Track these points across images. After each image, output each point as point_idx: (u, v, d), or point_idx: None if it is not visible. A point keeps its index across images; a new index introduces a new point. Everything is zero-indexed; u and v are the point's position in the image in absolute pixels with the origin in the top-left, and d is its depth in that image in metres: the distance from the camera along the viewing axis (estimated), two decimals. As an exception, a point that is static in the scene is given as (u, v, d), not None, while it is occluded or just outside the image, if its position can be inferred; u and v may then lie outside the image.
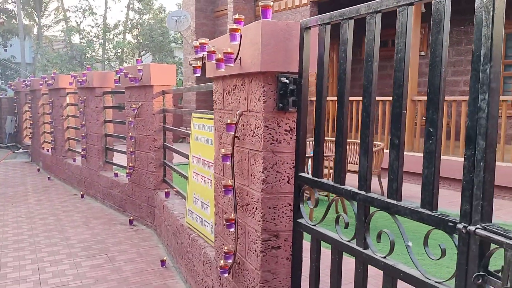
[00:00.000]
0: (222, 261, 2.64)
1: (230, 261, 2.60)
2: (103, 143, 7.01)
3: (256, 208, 2.35)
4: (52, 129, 9.10)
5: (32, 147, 11.26)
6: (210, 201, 3.32)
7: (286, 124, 2.29)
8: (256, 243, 2.36)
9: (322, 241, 2.07)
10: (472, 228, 1.30)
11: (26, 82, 10.89)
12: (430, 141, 1.47)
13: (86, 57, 23.91)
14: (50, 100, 8.99)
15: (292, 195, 2.29)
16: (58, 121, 8.72)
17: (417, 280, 1.52)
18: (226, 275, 2.64)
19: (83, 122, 7.42)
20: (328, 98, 8.34)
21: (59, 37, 29.59)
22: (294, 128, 2.29)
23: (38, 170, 9.98)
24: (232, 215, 2.56)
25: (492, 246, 1.29)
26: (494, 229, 1.24)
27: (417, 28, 7.76)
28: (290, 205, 2.32)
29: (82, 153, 7.50)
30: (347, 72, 1.88)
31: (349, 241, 1.86)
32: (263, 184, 2.29)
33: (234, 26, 2.24)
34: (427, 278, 1.49)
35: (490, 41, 1.25)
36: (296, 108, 2.23)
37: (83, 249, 4.77)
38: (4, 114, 13.43)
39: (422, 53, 10.42)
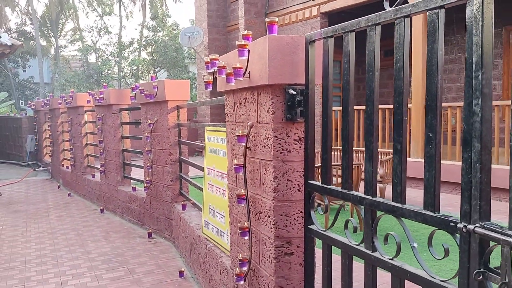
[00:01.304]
0: (237, 269, 2.71)
1: (245, 268, 2.67)
2: (121, 158, 7.18)
3: (269, 216, 2.43)
4: (71, 147, 9.33)
5: (52, 165, 11.52)
6: (225, 211, 3.41)
7: (295, 134, 2.38)
8: (270, 250, 2.43)
9: (333, 247, 2.13)
10: (471, 227, 1.36)
11: (45, 101, 11.20)
12: (430, 146, 1.54)
13: (103, 75, 24.43)
14: (69, 118, 9.24)
15: (302, 202, 2.37)
16: (77, 138, 8.94)
17: (423, 279, 1.58)
18: (242, 282, 2.71)
19: (101, 139, 7.61)
20: (337, 108, 8.51)
21: (76, 57, 30.31)
22: (302, 137, 2.37)
23: (59, 187, 10.21)
24: (246, 223, 2.64)
25: (492, 244, 1.34)
26: (492, 227, 1.30)
27: (424, 35, 7.81)
28: (301, 212, 2.39)
29: (100, 169, 7.68)
30: (350, 82, 1.96)
31: (358, 245, 1.93)
32: (274, 192, 2.37)
33: (242, 42, 2.35)
34: (433, 278, 1.55)
35: (480, 49, 1.33)
36: (304, 118, 2.32)
37: (104, 262, 4.89)
38: (25, 133, 13.79)
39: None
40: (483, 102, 1.34)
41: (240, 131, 2.60)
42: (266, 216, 2.47)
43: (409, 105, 8.54)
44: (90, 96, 7.77)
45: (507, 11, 8.14)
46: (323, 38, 2.10)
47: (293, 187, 2.38)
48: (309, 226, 2.30)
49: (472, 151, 1.36)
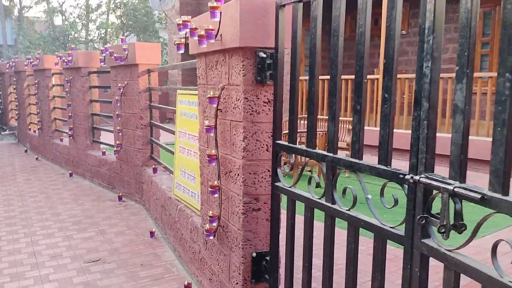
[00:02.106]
0: (207, 225, 2.85)
1: (215, 224, 2.82)
2: (90, 122, 7.13)
3: (238, 175, 2.56)
4: (38, 110, 9.15)
5: (18, 129, 11.28)
6: (196, 172, 3.52)
7: (264, 96, 2.48)
8: (238, 206, 2.57)
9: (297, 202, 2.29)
10: (417, 177, 1.52)
11: (11, 63, 10.85)
12: (385, 106, 1.68)
13: (69, 39, 23.66)
14: (36, 81, 9.02)
15: (270, 161, 2.50)
16: (44, 102, 8.78)
17: (375, 226, 1.75)
18: (211, 237, 2.86)
19: (69, 102, 7.51)
20: (305, 77, 8.65)
21: (41, 18, 29.10)
22: (272, 100, 2.48)
23: (26, 151, 10.05)
24: (216, 182, 2.77)
25: (434, 192, 1.51)
26: (434, 177, 1.47)
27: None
28: (269, 170, 2.53)
29: (69, 133, 7.61)
30: (317, 46, 2.07)
31: (319, 199, 2.08)
32: (244, 152, 2.49)
33: (214, 4, 2.41)
34: (383, 224, 1.72)
35: (433, 15, 1.45)
36: (273, 81, 2.42)
37: (74, 224, 4.95)
38: (-12, 96, 13.35)
39: (403, 32, 10.63)
40: (433, 65, 1.47)
41: (211, 93, 2.69)
42: (235, 174, 2.60)
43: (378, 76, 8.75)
44: (58, 58, 7.60)
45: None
46: (292, 2, 2.19)
47: (262, 147, 2.51)
48: (276, 184, 2.44)
49: (421, 109, 1.51)
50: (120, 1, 24.33)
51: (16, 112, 11.05)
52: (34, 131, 9.80)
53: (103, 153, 6.77)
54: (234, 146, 2.59)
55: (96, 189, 6.63)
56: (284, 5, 2.27)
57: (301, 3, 2.16)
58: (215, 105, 2.69)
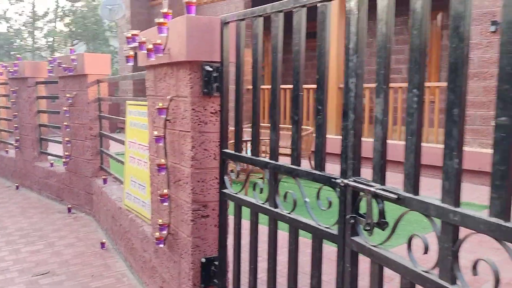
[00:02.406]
0: (157, 233, 2.92)
1: (164, 232, 2.89)
2: (37, 133, 6.96)
3: (187, 183, 2.66)
4: (-19, 121, 8.79)
5: (-42, 141, 10.74)
6: (147, 182, 3.57)
7: (211, 107, 2.61)
8: (187, 213, 2.67)
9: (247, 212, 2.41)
10: (346, 181, 1.69)
11: (-50, 72, 10.34)
12: (319, 116, 1.85)
13: (14, 46, 22.78)
14: (-22, 91, 8.67)
15: (218, 169, 2.62)
16: (-12, 112, 8.45)
17: (313, 227, 1.90)
18: (161, 245, 2.93)
19: (15, 113, 7.30)
20: (262, 86, 8.83)
21: (-17, 25, 27.81)
22: (218, 110, 2.61)
23: (-33, 164, 9.61)
24: (166, 190, 2.85)
25: (361, 194, 1.68)
26: (360, 181, 1.64)
27: (341, 20, 8.31)
28: (216, 178, 2.65)
29: (15, 144, 7.38)
30: (258, 61, 2.22)
31: (263, 203, 2.22)
32: (192, 160, 2.60)
33: (161, 20, 2.52)
34: (319, 225, 1.88)
35: (356, 37, 1.64)
36: (220, 93, 2.55)
37: (22, 237, 4.84)
38: None
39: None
40: (357, 81, 1.65)
41: (160, 104, 2.78)
42: (184, 183, 2.70)
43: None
44: (3, 68, 7.38)
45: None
46: (235, 20, 2.34)
47: (210, 156, 2.63)
48: (223, 191, 2.56)
49: (348, 120, 1.68)
50: (69, 8, 23.71)
51: (-44, 123, 10.52)
52: (-23, 143, 9.38)
53: (51, 165, 6.63)
54: (182, 155, 2.69)
55: (45, 201, 6.48)
56: (228, 22, 2.41)
57: (244, 21, 2.31)
58: (164, 116, 2.78)
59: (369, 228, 1.59)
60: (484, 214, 1.18)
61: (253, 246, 2.33)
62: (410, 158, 1.42)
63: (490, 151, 1.10)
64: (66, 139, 5.84)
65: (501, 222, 1.13)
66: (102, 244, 4.46)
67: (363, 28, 1.63)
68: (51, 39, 24.05)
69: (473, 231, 1.22)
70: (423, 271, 1.39)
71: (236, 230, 2.46)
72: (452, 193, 1.28)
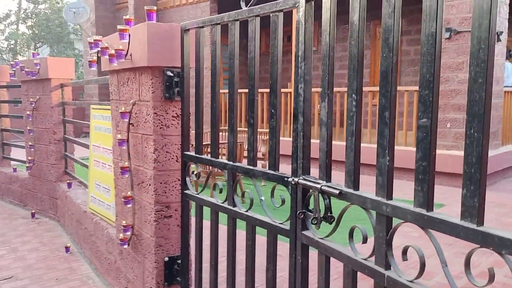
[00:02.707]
0: (121, 235, 2.98)
1: (128, 233, 2.95)
2: (-1, 138, 6.83)
3: (150, 184, 2.74)
4: None
5: None
6: (111, 185, 3.62)
7: (173, 111, 2.70)
8: (151, 214, 2.74)
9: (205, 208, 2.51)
10: (296, 179, 1.82)
11: None
12: (272, 119, 1.97)
13: (-26, 49, 22.07)
14: None
15: (180, 171, 2.71)
16: None
17: (268, 224, 2.02)
18: (126, 246, 2.99)
19: (-25, 118, 7.13)
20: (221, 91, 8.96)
21: None
22: (180, 114, 2.70)
23: None
24: (129, 192, 2.92)
25: (311, 191, 1.81)
26: (309, 179, 1.77)
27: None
28: (178, 180, 2.74)
29: (-25, 149, 7.21)
30: (217, 67, 2.33)
31: (222, 203, 2.33)
32: (155, 163, 2.68)
33: (123, 27, 2.59)
34: (274, 221, 2.00)
35: (303, 46, 1.77)
36: (181, 97, 2.64)
37: (-17, 243, 4.76)
38: None
39: (314, 48, 11.35)
40: (305, 86, 1.79)
41: (123, 108, 2.85)
42: (147, 184, 2.77)
43: (288, 90, 9.28)
44: (-38, 71, 7.20)
45: (374, 7, 9.15)
46: (195, 28, 2.44)
47: (172, 158, 2.72)
48: (185, 191, 2.65)
49: (298, 123, 1.82)
50: (31, 11, 23.16)
51: None
52: None
53: (14, 170, 6.52)
54: (145, 158, 2.77)
55: (7, 207, 6.36)
56: (188, 30, 2.51)
57: (203, 28, 2.42)
58: (127, 120, 2.85)
59: (316, 222, 1.72)
60: (410, 206, 1.33)
61: (213, 243, 2.43)
62: (350, 156, 1.56)
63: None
64: (29, 143, 5.77)
65: (424, 212, 1.28)
66: (67, 248, 4.45)
67: (309, 38, 1.77)
68: (13, 41, 23.42)
69: (403, 221, 1.37)
70: (362, 258, 1.53)
71: (198, 230, 2.56)
72: (384, 187, 1.42)
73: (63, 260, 4.25)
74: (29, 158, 5.81)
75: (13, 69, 5.85)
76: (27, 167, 5.91)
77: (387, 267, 1.44)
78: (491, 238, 1.08)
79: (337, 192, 1.59)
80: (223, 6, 10.20)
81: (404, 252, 1.37)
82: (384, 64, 1.39)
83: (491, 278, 1.10)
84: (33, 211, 5.76)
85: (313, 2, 1.75)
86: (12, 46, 23.55)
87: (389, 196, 1.42)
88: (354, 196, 1.54)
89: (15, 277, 3.87)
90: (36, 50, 22.56)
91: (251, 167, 2.12)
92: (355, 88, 1.53)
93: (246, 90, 8.67)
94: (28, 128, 5.75)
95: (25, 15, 23.37)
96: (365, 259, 1.52)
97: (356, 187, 1.56)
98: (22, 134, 6.23)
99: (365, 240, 1.52)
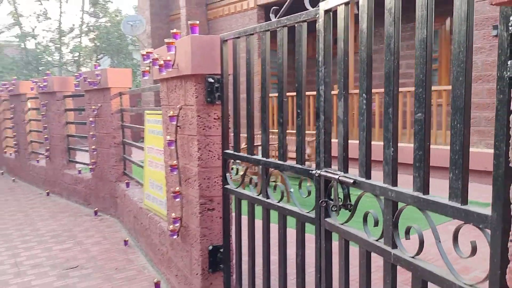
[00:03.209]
0: (171, 226, 3.30)
1: (177, 224, 3.27)
2: (65, 143, 7.49)
3: (195, 180, 3.03)
4: (14, 134, 9.43)
5: (-7, 153, 11.46)
6: (163, 183, 3.96)
7: (214, 113, 2.98)
8: (196, 207, 3.04)
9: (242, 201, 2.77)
10: (319, 172, 2.03)
11: (-15, 89, 11.09)
12: (299, 119, 2.19)
13: (42, 62, 23.81)
14: (11, 106, 9.32)
15: (221, 168, 2.98)
16: (20, 125, 9.08)
17: (296, 213, 2.24)
18: (175, 236, 3.31)
19: (45, 125, 7.85)
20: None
21: (13, 43, 29.13)
22: (220, 116, 2.98)
23: (2, 173, 10.26)
24: (178, 188, 3.23)
25: (332, 182, 2.01)
26: (329, 171, 1.98)
27: (352, 29, 8.69)
28: (220, 175, 3.01)
29: (45, 154, 7.93)
30: (251, 73, 2.59)
31: (257, 195, 2.57)
32: (199, 160, 2.97)
33: (170, 40, 2.91)
34: (301, 210, 2.22)
35: (323, 52, 1.98)
36: (221, 101, 2.92)
37: (53, 237, 5.30)
38: (-38, 121, 13.47)
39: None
40: (325, 88, 2.00)
41: (171, 112, 3.17)
42: (193, 180, 3.07)
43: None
44: (34, 83, 7.96)
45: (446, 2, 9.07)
46: (232, 38, 2.71)
47: (214, 156, 3.00)
48: (226, 186, 2.92)
49: (320, 121, 2.03)
50: (93, 24, 24.68)
51: (-9, 136, 11.24)
52: (10, 154, 10.03)
53: (79, 172, 7.13)
54: (191, 156, 3.07)
55: (73, 206, 6.97)
56: (226, 40, 2.79)
57: (239, 39, 2.68)
58: (174, 122, 3.17)
59: (335, 209, 1.92)
60: (410, 190, 1.51)
61: (250, 232, 2.68)
62: (362, 149, 1.75)
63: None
64: (92, 147, 6.32)
65: (421, 195, 1.46)
66: (125, 242, 4.87)
67: (328, 45, 1.98)
68: (77, 54, 25.03)
69: (405, 204, 1.54)
70: (374, 240, 1.72)
71: (237, 220, 2.82)
72: (390, 175, 1.61)
73: (122, 252, 4.67)
74: (92, 160, 6.36)
75: (77, 80, 6.44)
76: (90, 169, 6.46)
77: (394, 246, 1.61)
78: (471, 214, 1.25)
79: (352, 181, 1.79)
80: (269, 13, 10.46)
81: (407, 231, 1.55)
82: (387, 67, 1.58)
83: (474, 250, 1.27)
84: (95, 209, 6.30)
85: (331, 13, 1.95)
86: (76, 58, 25.18)
87: (394, 183, 1.60)
88: (366, 185, 1.73)
89: (80, 266, 4.32)
90: (98, 61, 23.96)
91: (281, 162, 2.34)
92: (365, 88, 1.72)
93: (294, 94, 8.87)
94: (91, 133, 6.30)
95: (88, 29, 24.92)
96: (376, 240, 1.70)
97: (368, 177, 1.75)
98: (85, 139, 6.82)
99: (376, 223, 1.71)
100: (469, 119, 1.28)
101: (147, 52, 3.27)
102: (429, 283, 1.46)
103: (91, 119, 6.27)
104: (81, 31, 25.54)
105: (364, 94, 1.73)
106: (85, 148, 7.12)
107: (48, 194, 7.76)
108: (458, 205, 1.30)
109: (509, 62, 1.07)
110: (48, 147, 7.87)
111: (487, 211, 1.21)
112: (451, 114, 1.31)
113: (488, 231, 1.19)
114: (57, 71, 24.97)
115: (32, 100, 8.81)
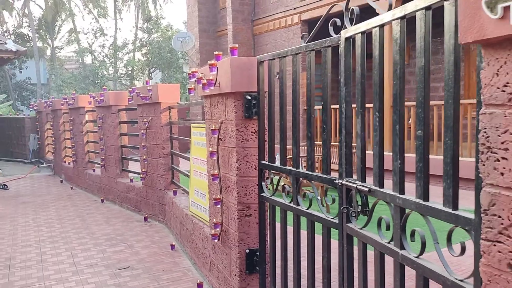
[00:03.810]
0: (213, 230, 3.60)
1: (218, 229, 3.56)
2: (119, 153, 8.04)
3: (234, 188, 3.32)
4: (73, 144, 10.18)
5: (54, 161, 12.36)
6: (206, 191, 4.29)
7: (251, 127, 3.27)
8: (234, 213, 3.32)
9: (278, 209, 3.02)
10: (342, 181, 2.25)
11: (48, 102, 12.03)
12: (324, 133, 2.43)
13: (98, 76, 25.23)
14: (71, 118, 10.08)
15: (257, 177, 3.26)
16: (79, 136, 9.80)
17: (320, 218, 2.47)
18: (216, 240, 3.60)
19: (101, 136, 8.47)
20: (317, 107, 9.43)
21: (72, 58, 31.05)
22: (257, 130, 3.26)
23: (61, 181, 11.06)
24: (219, 195, 3.53)
25: (352, 191, 2.23)
26: (350, 180, 2.20)
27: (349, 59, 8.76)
28: (256, 184, 3.28)
29: (101, 163, 8.54)
30: (285, 93, 2.85)
31: (289, 203, 2.82)
32: (237, 170, 3.26)
33: (212, 62, 3.24)
34: (326, 216, 2.44)
35: (344, 74, 2.22)
36: (257, 116, 3.21)
37: (107, 240, 5.76)
38: (28, 132, 14.61)
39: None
40: (346, 106, 2.23)
41: (214, 126, 3.49)
42: (232, 188, 3.36)
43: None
44: (91, 98, 8.62)
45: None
46: (267, 60, 3.00)
47: (251, 166, 3.28)
48: (261, 194, 3.19)
49: (342, 135, 2.26)
50: (146, 40, 25.90)
51: (52, 146, 12.15)
52: (69, 163, 10.81)
53: (131, 180, 7.64)
54: (230, 166, 3.36)
55: (125, 212, 7.47)
56: (262, 61, 3.08)
57: (273, 60, 2.96)
58: (216, 135, 3.48)
59: (354, 215, 2.14)
60: (413, 197, 1.72)
61: (283, 236, 2.93)
62: (376, 161, 1.97)
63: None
64: (143, 157, 6.79)
65: (421, 201, 1.66)
66: (172, 246, 5.24)
67: (348, 68, 2.22)
68: (130, 68, 26.32)
69: (410, 210, 1.75)
70: (386, 242, 1.92)
71: (271, 226, 3.08)
72: (398, 184, 1.82)
73: (169, 256, 5.03)
74: (143, 170, 6.83)
75: (131, 94, 6.96)
76: (141, 177, 6.93)
77: (402, 247, 1.82)
78: (460, 218, 1.45)
79: (367, 189, 2.00)
80: (312, 28, 10.72)
81: (412, 234, 1.75)
82: (394, 89, 1.80)
83: (463, 249, 1.46)
84: (145, 215, 6.74)
85: (351, 40, 2.19)
86: (129, 72, 26.48)
87: (401, 191, 1.81)
88: (379, 192, 1.94)
89: (131, 267, 4.71)
90: (150, 75, 25.08)
91: (309, 172, 2.59)
92: (377, 107, 1.94)
93: (337, 106, 9.05)
94: (143, 144, 6.78)
95: (140, 44, 26.18)
96: (388, 242, 1.91)
97: (381, 185, 1.96)
98: (137, 149, 7.31)
99: (388, 227, 1.91)
100: (458, 136, 1.48)
101: (192, 72, 3.62)
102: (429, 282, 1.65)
103: (142, 131, 6.75)
104: (135, 46, 26.85)
105: (377, 113, 1.95)
106: (136, 158, 7.63)
107: (102, 201, 8.33)
108: (450, 210, 1.50)
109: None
110: (103, 157, 8.47)
111: (472, 215, 1.40)
112: (443, 132, 1.51)
113: (473, 232, 1.39)
114: (112, 84, 26.36)
115: (89, 112, 9.51)
